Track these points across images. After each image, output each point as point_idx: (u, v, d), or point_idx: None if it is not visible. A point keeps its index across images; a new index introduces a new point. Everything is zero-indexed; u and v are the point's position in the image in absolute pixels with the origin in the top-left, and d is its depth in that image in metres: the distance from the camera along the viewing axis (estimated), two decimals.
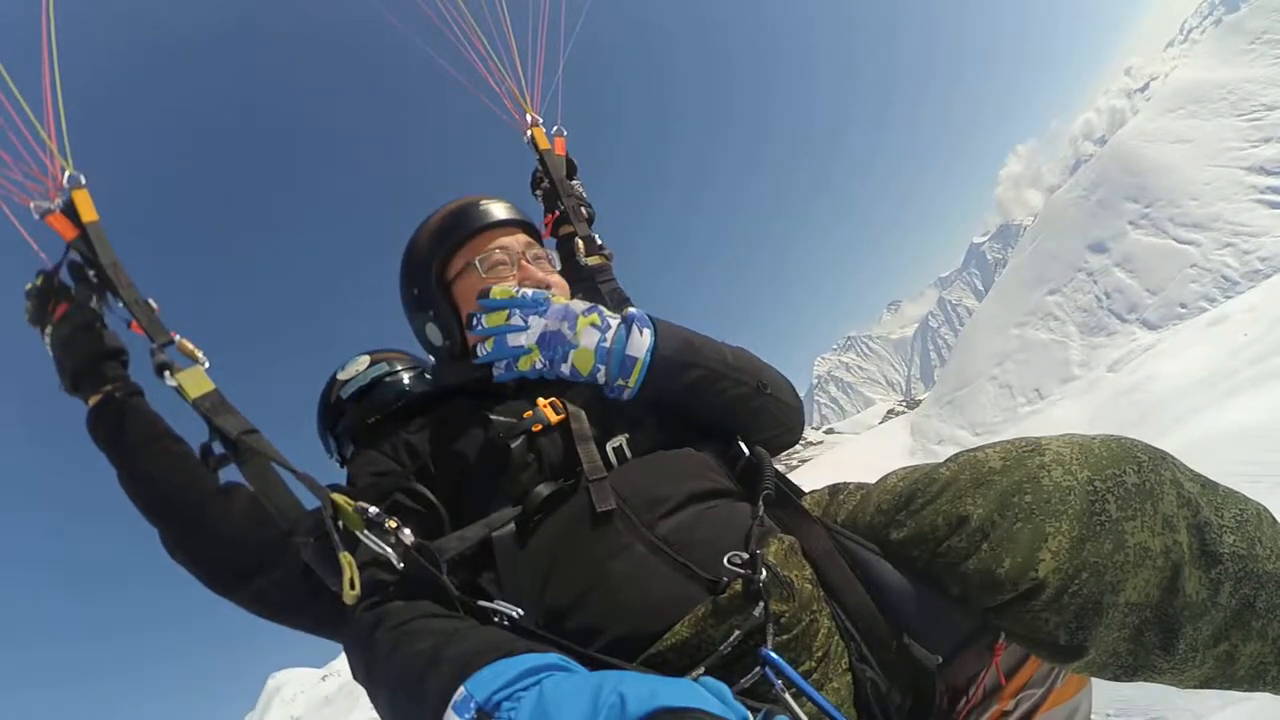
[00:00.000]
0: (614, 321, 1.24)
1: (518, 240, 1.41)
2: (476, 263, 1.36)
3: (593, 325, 1.22)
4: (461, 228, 1.39)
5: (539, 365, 1.22)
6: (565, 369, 1.21)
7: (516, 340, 1.21)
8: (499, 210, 1.42)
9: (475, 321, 1.24)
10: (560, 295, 1.34)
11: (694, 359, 1.24)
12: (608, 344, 1.21)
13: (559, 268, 1.46)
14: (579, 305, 1.26)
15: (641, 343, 1.21)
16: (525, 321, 1.22)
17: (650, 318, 1.25)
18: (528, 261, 1.38)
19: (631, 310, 1.26)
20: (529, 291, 1.25)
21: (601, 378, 1.21)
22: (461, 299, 1.38)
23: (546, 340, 1.21)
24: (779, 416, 1.33)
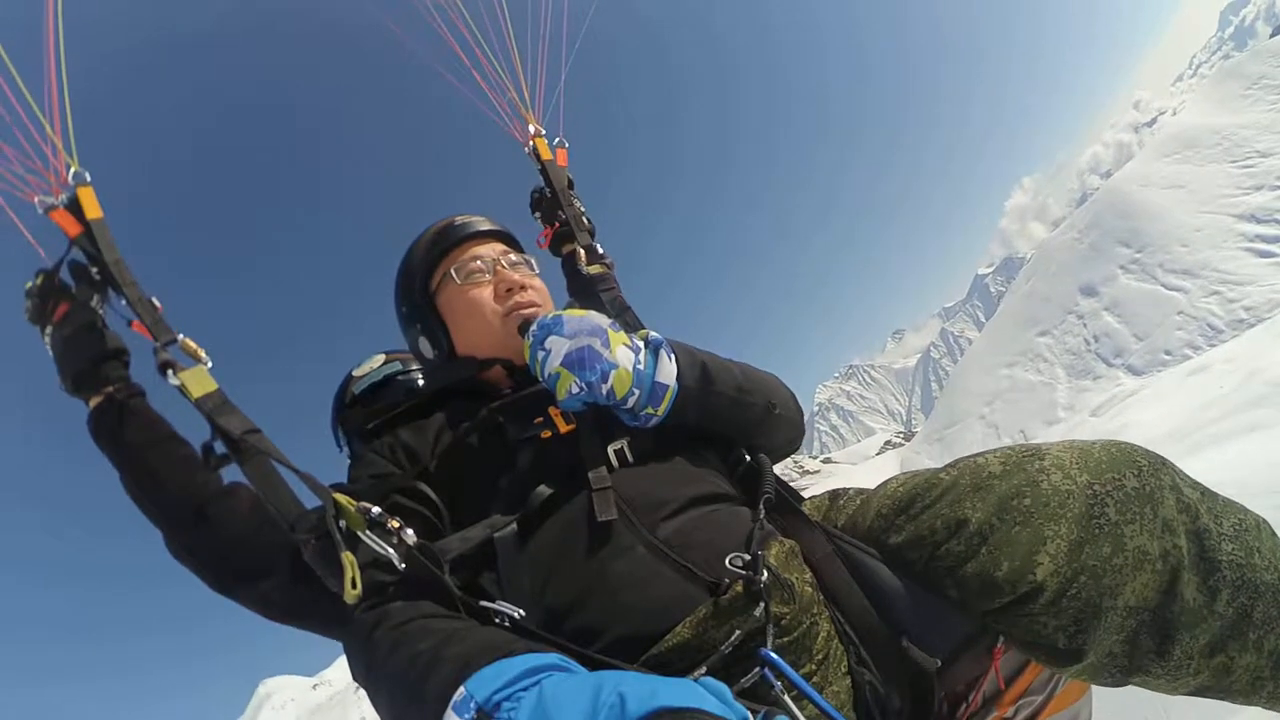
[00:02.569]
0: (640, 343, 1.22)
1: (493, 249, 1.46)
2: (453, 272, 1.40)
3: (624, 345, 1.18)
4: (439, 243, 1.45)
5: (575, 390, 1.13)
6: (604, 391, 1.13)
7: (551, 368, 1.14)
8: (474, 223, 1.48)
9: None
10: (540, 298, 1.40)
11: (711, 386, 1.22)
12: (642, 366, 1.17)
13: (538, 271, 1.49)
14: (603, 319, 1.22)
15: (671, 370, 1.18)
16: (546, 346, 1.16)
17: (668, 341, 1.23)
18: (504, 267, 1.42)
19: (653, 334, 1.24)
20: (543, 316, 1.23)
21: (632, 403, 1.15)
22: (445, 310, 1.42)
23: (578, 359, 1.13)
24: (784, 432, 1.35)
